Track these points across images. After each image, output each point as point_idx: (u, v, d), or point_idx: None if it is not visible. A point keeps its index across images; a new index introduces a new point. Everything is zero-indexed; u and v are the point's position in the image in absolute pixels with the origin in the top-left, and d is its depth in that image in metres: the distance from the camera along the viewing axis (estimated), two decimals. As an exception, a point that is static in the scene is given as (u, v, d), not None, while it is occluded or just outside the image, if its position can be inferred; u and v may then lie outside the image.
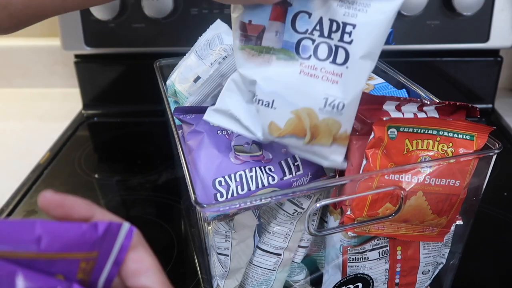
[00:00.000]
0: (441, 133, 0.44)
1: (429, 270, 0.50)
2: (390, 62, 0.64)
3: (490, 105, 1.00)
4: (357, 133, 0.44)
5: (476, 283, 0.60)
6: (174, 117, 0.50)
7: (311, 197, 0.48)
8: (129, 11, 0.90)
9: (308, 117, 0.41)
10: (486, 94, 1.00)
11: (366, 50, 0.40)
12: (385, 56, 0.66)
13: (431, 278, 0.51)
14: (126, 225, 0.29)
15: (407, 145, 0.44)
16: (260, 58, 0.41)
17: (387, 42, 0.62)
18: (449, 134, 0.45)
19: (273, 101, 0.41)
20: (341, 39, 0.40)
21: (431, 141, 0.44)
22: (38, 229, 0.25)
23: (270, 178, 0.46)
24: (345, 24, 0.40)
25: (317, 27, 0.40)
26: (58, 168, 0.86)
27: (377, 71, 0.63)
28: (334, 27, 0.40)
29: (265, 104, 0.41)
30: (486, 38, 0.91)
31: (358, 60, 0.40)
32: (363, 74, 0.41)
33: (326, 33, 0.40)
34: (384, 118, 0.42)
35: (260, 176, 0.45)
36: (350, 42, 0.40)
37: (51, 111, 1.05)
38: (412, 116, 0.45)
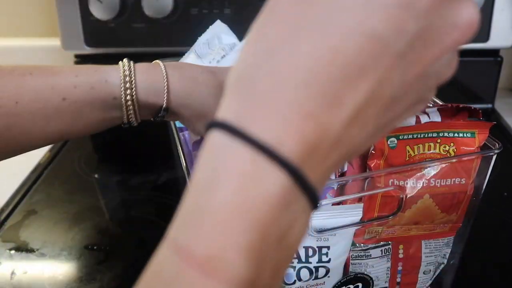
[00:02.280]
0: (441, 134, 0.44)
1: (430, 270, 0.50)
2: (390, 62, 0.64)
3: (490, 105, 1.00)
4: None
5: (476, 283, 0.60)
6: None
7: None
8: (129, 11, 0.90)
9: None
10: (486, 94, 1.00)
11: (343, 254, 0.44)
12: (385, 56, 0.66)
13: (432, 278, 0.51)
14: None
15: (408, 152, 0.44)
16: None
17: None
18: (450, 134, 0.45)
19: None
20: (320, 261, 0.43)
21: (432, 144, 0.44)
22: None
23: None
24: (320, 248, 0.43)
25: (294, 256, 0.42)
26: (58, 168, 0.86)
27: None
28: (310, 252, 0.43)
29: None
30: (486, 38, 0.91)
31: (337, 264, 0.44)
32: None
33: (303, 259, 0.43)
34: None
35: None
36: (328, 261, 0.44)
37: (51, 111, 1.05)
38: (414, 118, 0.45)
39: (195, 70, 0.46)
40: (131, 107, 0.42)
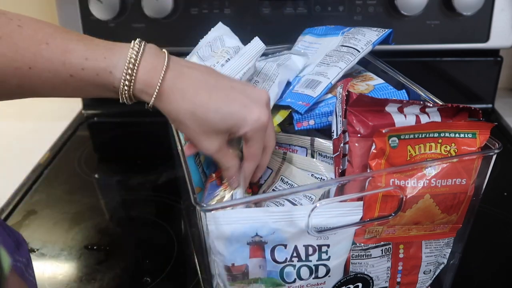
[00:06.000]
0: (442, 134, 0.44)
1: (430, 270, 0.50)
2: (390, 62, 0.64)
3: (490, 105, 1.00)
4: (359, 135, 0.44)
5: (476, 283, 0.60)
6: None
7: (312, 198, 0.49)
8: (129, 11, 0.90)
9: None
10: (486, 94, 1.00)
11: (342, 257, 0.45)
12: (385, 56, 0.66)
13: (432, 278, 0.51)
14: None
15: (409, 151, 0.44)
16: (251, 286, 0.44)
17: (387, 43, 0.62)
18: (451, 134, 0.45)
19: None
20: (320, 259, 0.44)
21: (433, 144, 0.44)
22: None
23: None
24: (320, 246, 0.43)
25: (294, 254, 0.43)
26: (58, 168, 0.86)
27: (377, 71, 0.63)
28: (310, 250, 0.43)
29: None
30: (486, 38, 0.91)
31: (337, 263, 0.45)
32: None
33: (303, 258, 0.43)
34: (384, 130, 0.43)
35: None
36: (328, 259, 0.44)
37: (51, 111, 1.05)
38: (414, 118, 0.45)
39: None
40: (127, 95, 0.45)
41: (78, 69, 0.44)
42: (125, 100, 0.46)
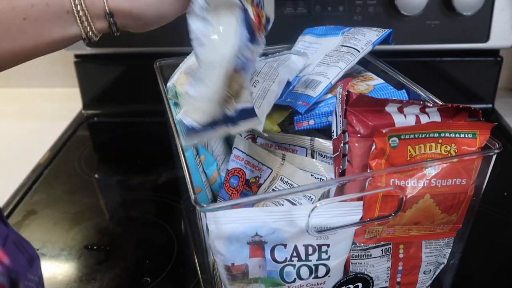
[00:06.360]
0: (442, 134, 0.44)
1: (430, 270, 0.50)
2: (390, 62, 0.64)
3: (490, 105, 1.00)
4: (359, 135, 0.44)
5: (476, 283, 0.60)
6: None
7: (312, 197, 0.49)
8: (129, 11, 0.90)
9: None
10: (486, 94, 1.00)
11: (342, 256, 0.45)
12: (385, 56, 0.66)
13: (432, 278, 0.51)
14: None
15: (409, 151, 0.44)
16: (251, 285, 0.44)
17: (387, 43, 0.62)
18: (451, 134, 0.45)
19: None
20: (319, 259, 0.44)
21: (433, 144, 0.44)
22: None
23: None
24: (320, 246, 0.43)
25: (294, 254, 0.43)
26: (58, 168, 0.86)
27: (377, 71, 0.63)
28: (310, 250, 0.43)
29: None
30: (486, 38, 0.91)
31: (337, 263, 0.45)
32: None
33: (303, 257, 0.43)
34: (384, 130, 0.43)
35: None
36: (327, 259, 0.44)
37: (51, 111, 1.05)
38: (414, 118, 0.45)
39: None
40: (83, 18, 0.45)
41: (28, 8, 0.43)
42: (87, 28, 0.46)
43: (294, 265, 0.43)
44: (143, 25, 0.49)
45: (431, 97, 0.56)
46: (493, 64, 0.97)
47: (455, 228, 0.48)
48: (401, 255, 0.48)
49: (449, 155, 0.45)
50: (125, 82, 1.01)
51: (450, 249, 0.51)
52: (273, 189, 0.53)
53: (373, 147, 0.43)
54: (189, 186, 0.42)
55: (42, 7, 0.44)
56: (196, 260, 0.62)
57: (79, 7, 0.45)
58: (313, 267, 0.44)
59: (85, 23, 0.45)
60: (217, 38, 0.41)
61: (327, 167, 0.53)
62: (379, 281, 0.48)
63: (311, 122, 0.55)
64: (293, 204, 0.48)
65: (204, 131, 0.42)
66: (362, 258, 0.47)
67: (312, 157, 0.55)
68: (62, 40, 0.46)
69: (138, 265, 0.63)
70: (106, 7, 0.46)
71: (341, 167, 0.46)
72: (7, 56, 0.45)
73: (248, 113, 0.44)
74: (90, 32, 0.46)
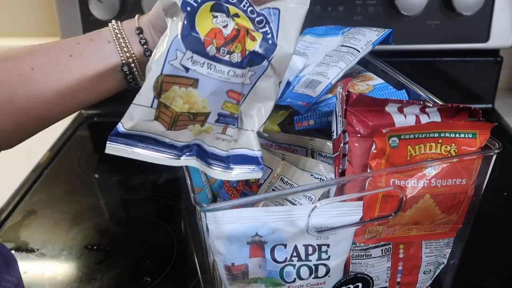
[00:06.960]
0: (442, 134, 0.44)
1: (430, 270, 0.50)
2: (390, 62, 0.64)
3: (490, 105, 1.00)
4: (359, 135, 0.44)
5: (476, 283, 0.60)
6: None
7: (312, 197, 0.49)
8: (129, 11, 0.90)
9: None
10: (486, 94, 1.00)
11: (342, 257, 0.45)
12: (385, 56, 0.66)
13: (432, 278, 0.51)
14: None
15: (409, 151, 0.44)
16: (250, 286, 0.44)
17: (387, 43, 0.62)
18: (451, 134, 0.45)
19: None
20: (319, 259, 0.44)
21: (433, 144, 0.44)
22: None
23: None
24: (320, 246, 0.43)
25: (294, 254, 0.43)
26: (58, 168, 0.86)
27: (377, 71, 0.63)
28: (310, 250, 0.43)
29: None
30: (486, 38, 0.91)
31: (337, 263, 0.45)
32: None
33: (303, 257, 0.43)
34: (384, 130, 0.43)
35: None
36: (327, 259, 0.44)
37: (51, 111, 1.05)
38: (414, 118, 0.45)
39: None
40: (121, 40, 0.47)
41: (74, 45, 0.46)
42: (122, 50, 0.46)
43: (294, 265, 0.43)
44: None
45: (431, 97, 0.56)
46: (493, 64, 0.97)
47: (455, 228, 0.48)
48: (401, 255, 0.48)
49: (449, 155, 0.45)
50: (125, 82, 1.01)
51: (450, 249, 0.51)
52: (273, 189, 0.53)
53: (373, 147, 0.43)
54: (189, 186, 0.42)
55: (86, 43, 0.46)
56: (196, 260, 0.62)
57: (117, 32, 0.47)
58: (313, 267, 0.44)
59: (124, 48, 0.46)
60: (159, 42, 0.43)
61: (327, 167, 0.53)
62: (379, 281, 0.48)
63: (311, 122, 0.55)
64: (293, 204, 0.48)
65: (127, 141, 0.45)
66: (362, 258, 0.47)
67: (312, 157, 0.55)
68: (104, 71, 0.47)
69: (138, 265, 0.63)
70: (136, 23, 0.48)
71: (341, 167, 0.46)
72: (52, 97, 0.46)
73: (244, 160, 0.45)
74: (128, 54, 0.47)
